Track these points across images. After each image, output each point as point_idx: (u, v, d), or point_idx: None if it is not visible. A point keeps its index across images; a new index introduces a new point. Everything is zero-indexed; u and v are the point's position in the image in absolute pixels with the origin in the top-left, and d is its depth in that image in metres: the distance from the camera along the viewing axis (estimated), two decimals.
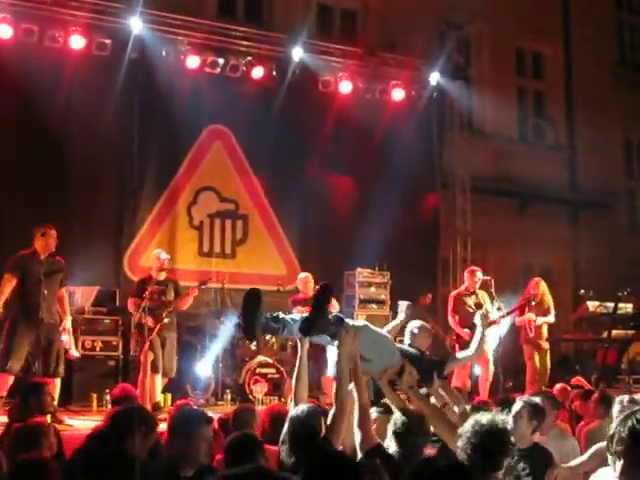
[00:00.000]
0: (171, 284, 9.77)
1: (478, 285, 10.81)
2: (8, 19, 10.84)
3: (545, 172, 15.96)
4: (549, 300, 11.00)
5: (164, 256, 9.76)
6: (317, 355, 10.13)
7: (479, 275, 10.82)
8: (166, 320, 9.47)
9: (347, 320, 5.58)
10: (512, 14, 15.72)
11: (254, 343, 10.93)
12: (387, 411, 5.43)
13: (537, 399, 5.89)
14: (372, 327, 5.89)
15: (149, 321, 9.24)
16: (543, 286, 11.08)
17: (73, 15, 11.21)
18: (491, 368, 10.49)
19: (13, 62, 10.75)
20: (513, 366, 12.14)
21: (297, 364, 5.40)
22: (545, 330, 10.97)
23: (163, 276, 9.70)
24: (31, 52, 10.82)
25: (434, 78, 13.52)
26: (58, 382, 8.81)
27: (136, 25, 11.47)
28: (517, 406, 5.49)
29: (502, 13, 15.61)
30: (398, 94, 13.23)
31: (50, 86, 10.81)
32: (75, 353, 9.32)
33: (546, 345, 10.96)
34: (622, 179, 17.51)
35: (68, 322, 9.05)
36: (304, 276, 10.79)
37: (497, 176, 15.27)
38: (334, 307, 10.33)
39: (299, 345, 5.48)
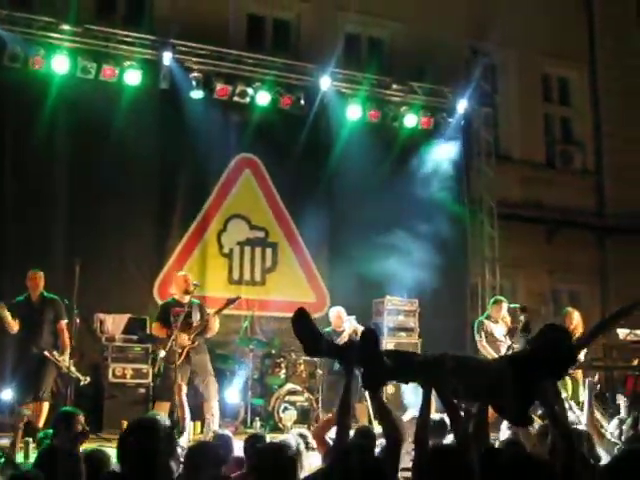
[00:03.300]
0: (196, 306, 9.69)
1: (501, 315, 10.91)
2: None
3: (573, 198, 15.92)
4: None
5: (189, 280, 9.74)
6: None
7: (504, 306, 10.94)
8: (195, 343, 9.45)
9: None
10: (538, 40, 15.72)
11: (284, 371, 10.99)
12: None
13: None
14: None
15: (178, 343, 9.22)
16: (577, 317, 11.08)
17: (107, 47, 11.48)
18: None
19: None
20: None
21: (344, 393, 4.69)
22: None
23: (187, 299, 9.65)
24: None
25: (461, 105, 13.58)
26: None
27: (166, 56, 11.66)
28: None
29: (528, 39, 15.61)
30: (425, 122, 13.30)
31: (84, 118, 11.06)
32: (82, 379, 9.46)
33: (579, 374, 10.88)
34: None
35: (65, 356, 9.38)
36: (335, 310, 10.83)
37: (525, 202, 15.23)
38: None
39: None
